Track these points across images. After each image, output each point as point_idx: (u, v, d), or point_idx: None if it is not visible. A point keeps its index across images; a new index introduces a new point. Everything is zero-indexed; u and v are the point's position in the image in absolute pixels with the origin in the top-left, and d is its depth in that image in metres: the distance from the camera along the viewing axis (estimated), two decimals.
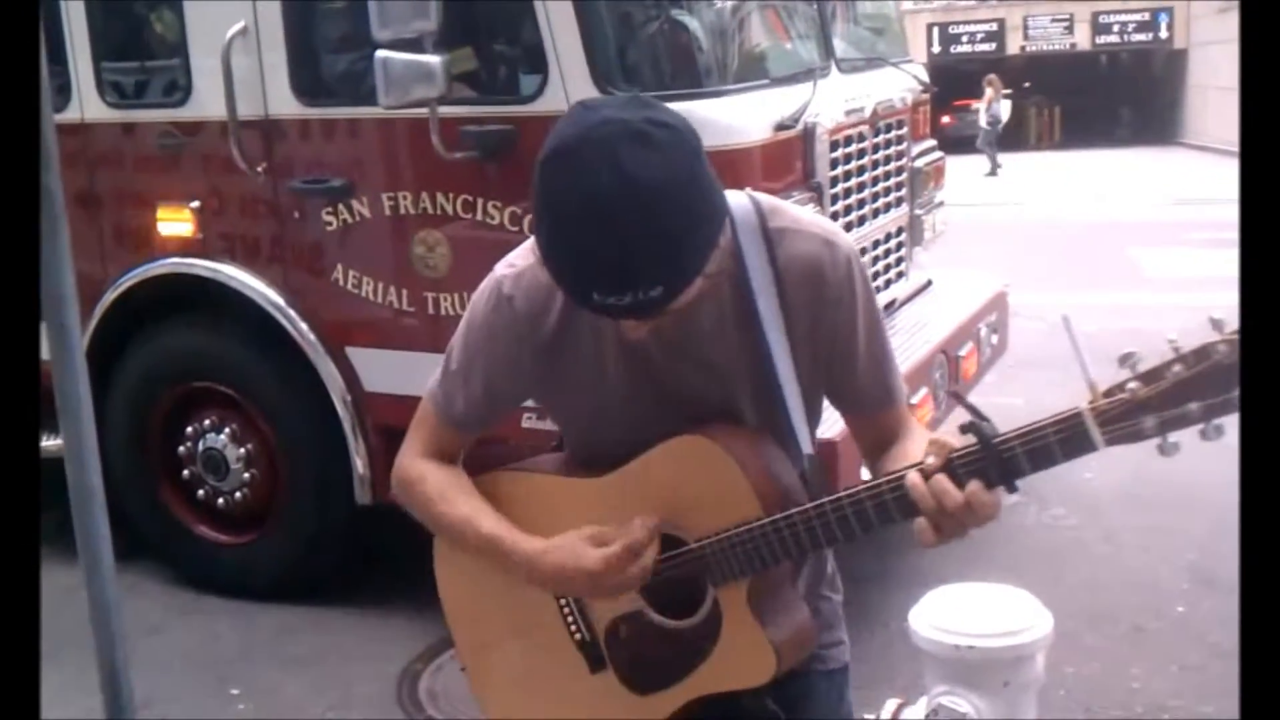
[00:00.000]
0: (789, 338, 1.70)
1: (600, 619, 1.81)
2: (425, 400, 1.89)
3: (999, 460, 1.49)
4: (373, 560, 4.59)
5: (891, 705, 2.92)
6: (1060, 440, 1.46)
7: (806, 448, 1.73)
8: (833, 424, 2.16)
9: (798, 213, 1.78)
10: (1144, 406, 1.42)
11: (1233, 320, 1.38)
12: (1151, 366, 1.42)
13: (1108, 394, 1.44)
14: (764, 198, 1.77)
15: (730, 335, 1.72)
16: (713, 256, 1.56)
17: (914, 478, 1.54)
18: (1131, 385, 1.43)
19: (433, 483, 1.85)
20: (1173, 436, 1.42)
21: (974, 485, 1.50)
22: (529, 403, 1.97)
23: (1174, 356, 1.40)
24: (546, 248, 1.55)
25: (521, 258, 1.78)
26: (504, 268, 1.79)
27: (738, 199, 1.72)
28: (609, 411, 1.78)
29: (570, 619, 1.84)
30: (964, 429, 1.53)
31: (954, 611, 2.81)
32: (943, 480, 1.51)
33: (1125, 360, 1.43)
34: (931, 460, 1.53)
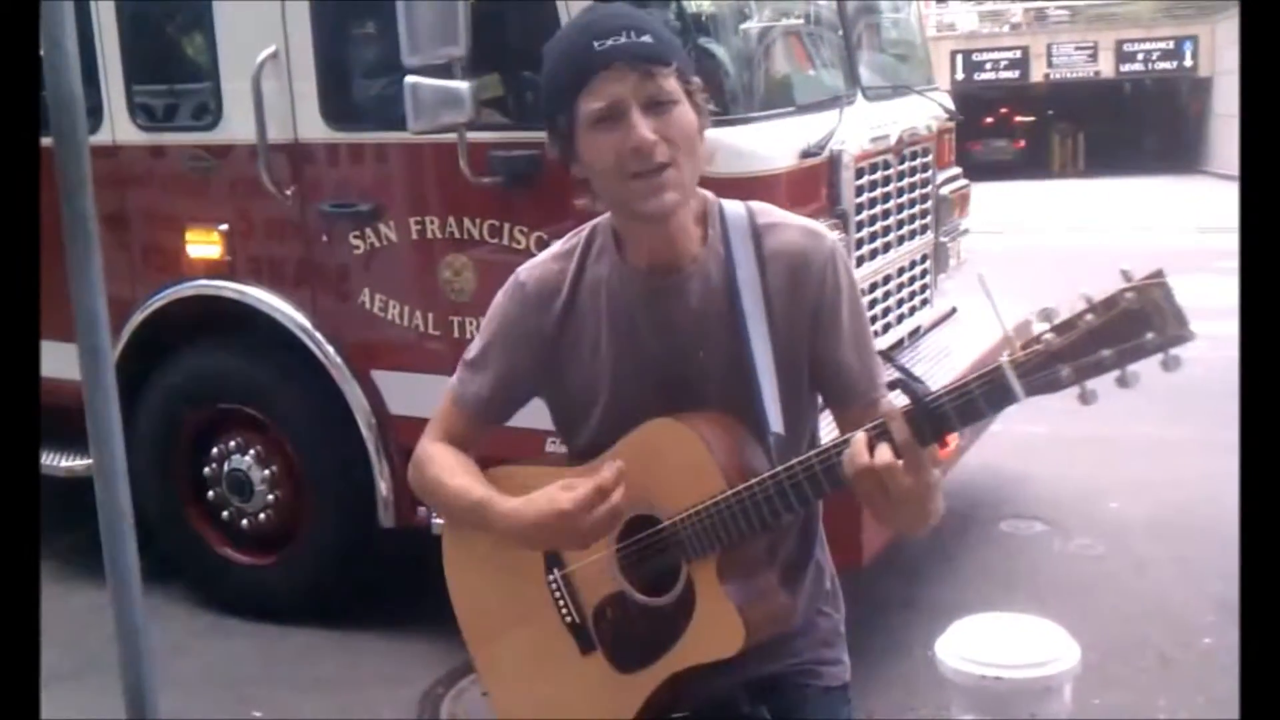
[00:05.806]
0: (769, 323, 1.84)
1: (588, 601, 1.91)
2: (445, 391, 2.05)
3: (930, 415, 1.59)
4: (395, 583, 4.59)
5: None
6: (984, 393, 1.55)
7: (775, 426, 1.82)
8: None
9: (785, 212, 1.94)
10: (1059, 356, 1.48)
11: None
12: (1065, 318, 1.48)
13: (1025, 346, 1.51)
14: (757, 204, 1.94)
15: (714, 316, 1.86)
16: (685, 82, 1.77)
17: (859, 439, 1.63)
18: (1047, 337, 1.49)
19: (439, 462, 1.98)
20: (1091, 384, 1.47)
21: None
22: (548, 426, 2.04)
23: (1085, 308, 1.46)
24: (556, 48, 1.80)
25: (539, 258, 1.99)
26: (523, 266, 1.99)
27: (733, 206, 1.90)
28: (598, 391, 1.90)
29: (560, 601, 1.93)
30: (893, 385, 1.66)
31: (981, 641, 2.80)
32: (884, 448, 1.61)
33: (1042, 314, 1.50)
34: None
